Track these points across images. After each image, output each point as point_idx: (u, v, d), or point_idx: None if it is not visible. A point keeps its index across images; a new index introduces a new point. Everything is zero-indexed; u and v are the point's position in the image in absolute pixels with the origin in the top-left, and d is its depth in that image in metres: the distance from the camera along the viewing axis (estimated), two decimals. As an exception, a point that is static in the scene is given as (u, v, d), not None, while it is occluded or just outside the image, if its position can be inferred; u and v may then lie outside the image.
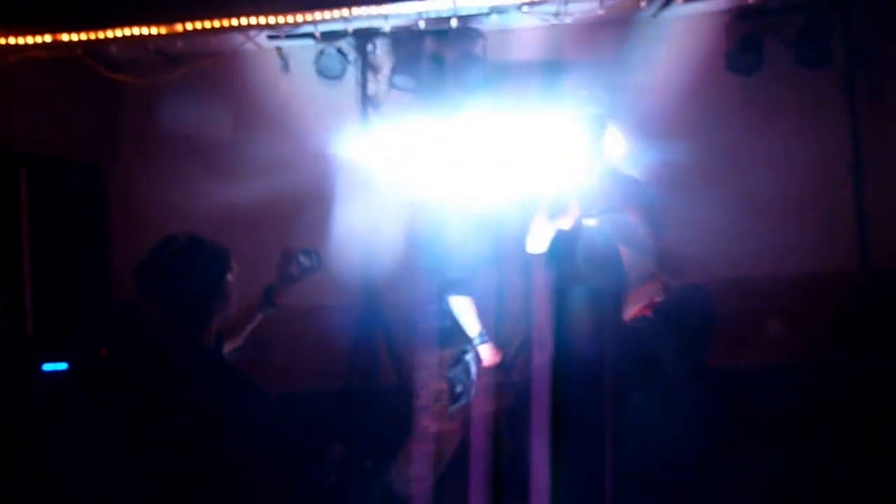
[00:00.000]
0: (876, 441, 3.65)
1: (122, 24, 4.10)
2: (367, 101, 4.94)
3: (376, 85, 4.95)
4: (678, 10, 4.70)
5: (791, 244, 4.60)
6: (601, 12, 4.03)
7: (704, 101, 4.78)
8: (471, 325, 3.16)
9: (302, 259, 2.08)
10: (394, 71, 4.75)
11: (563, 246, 1.95)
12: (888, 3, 4.53)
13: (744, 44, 4.69)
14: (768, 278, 4.69)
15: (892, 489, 3.22)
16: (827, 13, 4.61)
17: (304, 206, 4.81)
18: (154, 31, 4.14)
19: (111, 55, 4.55)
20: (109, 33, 4.20)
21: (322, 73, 4.77)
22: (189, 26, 4.06)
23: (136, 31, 4.15)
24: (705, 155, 4.58)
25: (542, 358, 2.13)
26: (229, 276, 1.99)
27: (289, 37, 4.66)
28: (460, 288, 3.18)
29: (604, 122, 3.45)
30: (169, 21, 4.02)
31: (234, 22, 4.07)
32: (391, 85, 4.80)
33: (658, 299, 2.20)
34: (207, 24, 4.02)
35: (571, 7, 4.09)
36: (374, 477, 3.69)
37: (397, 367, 4.56)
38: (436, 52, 4.79)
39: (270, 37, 4.71)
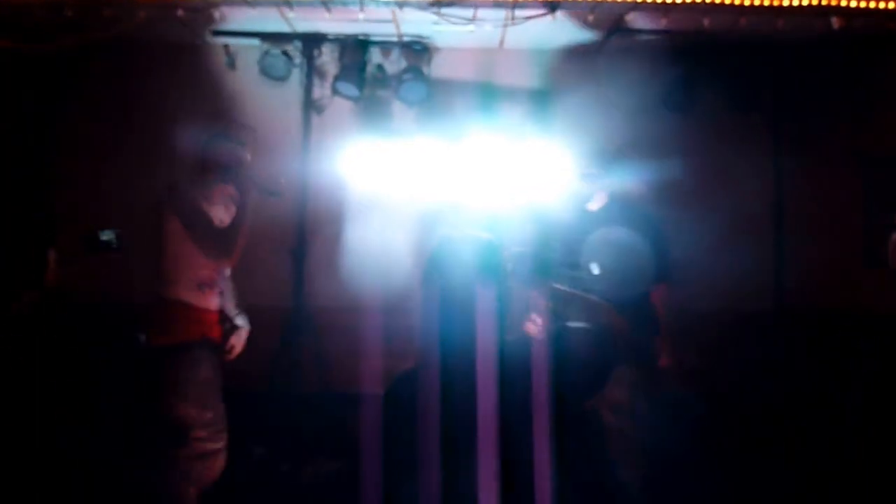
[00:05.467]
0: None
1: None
2: (310, 105, 4.96)
3: (321, 90, 4.98)
4: (620, 45, 4.85)
5: (709, 279, 4.73)
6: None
7: (640, 134, 4.92)
8: None
9: (99, 237, 2.10)
10: (337, 78, 4.78)
11: (450, 256, 1.92)
12: (816, 57, 4.73)
13: (679, 83, 4.86)
14: (685, 313, 4.82)
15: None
16: (759, 60, 4.79)
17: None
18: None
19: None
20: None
21: (266, 73, 4.78)
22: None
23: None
24: (634, 186, 4.70)
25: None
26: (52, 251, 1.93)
27: (234, 34, 4.67)
28: None
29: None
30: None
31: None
32: (334, 91, 4.83)
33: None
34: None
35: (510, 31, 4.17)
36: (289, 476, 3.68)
37: (322, 373, 4.56)
38: (381, 63, 4.85)
39: (216, 32, 4.71)
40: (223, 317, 3.15)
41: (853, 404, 4.05)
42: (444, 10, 3.87)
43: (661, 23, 3.86)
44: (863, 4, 3.47)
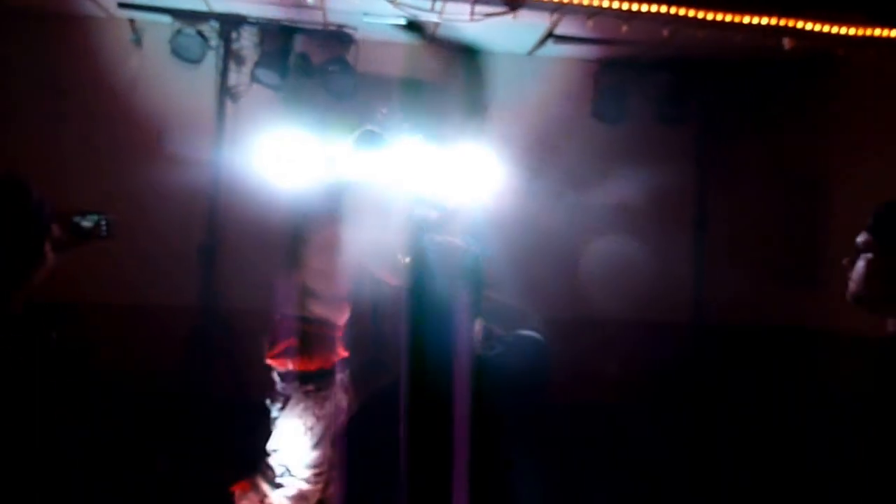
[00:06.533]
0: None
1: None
2: (225, 91, 4.61)
3: (238, 76, 4.63)
4: (550, 52, 4.79)
5: (631, 290, 4.74)
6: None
7: (567, 140, 4.88)
8: None
9: (81, 223, 1.76)
10: (258, 64, 4.46)
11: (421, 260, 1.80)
12: (742, 73, 4.84)
13: (608, 94, 4.86)
14: (609, 322, 4.82)
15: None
16: (688, 76, 4.85)
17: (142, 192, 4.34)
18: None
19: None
20: None
21: (178, 54, 4.39)
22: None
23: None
24: (560, 192, 4.65)
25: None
26: (49, 237, 1.58)
27: (142, 8, 4.27)
28: None
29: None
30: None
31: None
32: (253, 78, 4.50)
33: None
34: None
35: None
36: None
37: (236, 378, 4.20)
38: (304, 52, 4.56)
39: (121, 5, 4.29)
40: None
41: (774, 419, 4.14)
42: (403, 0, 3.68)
43: (622, 30, 3.79)
44: (817, 28, 3.58)
